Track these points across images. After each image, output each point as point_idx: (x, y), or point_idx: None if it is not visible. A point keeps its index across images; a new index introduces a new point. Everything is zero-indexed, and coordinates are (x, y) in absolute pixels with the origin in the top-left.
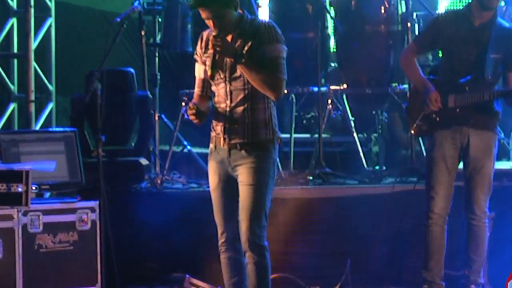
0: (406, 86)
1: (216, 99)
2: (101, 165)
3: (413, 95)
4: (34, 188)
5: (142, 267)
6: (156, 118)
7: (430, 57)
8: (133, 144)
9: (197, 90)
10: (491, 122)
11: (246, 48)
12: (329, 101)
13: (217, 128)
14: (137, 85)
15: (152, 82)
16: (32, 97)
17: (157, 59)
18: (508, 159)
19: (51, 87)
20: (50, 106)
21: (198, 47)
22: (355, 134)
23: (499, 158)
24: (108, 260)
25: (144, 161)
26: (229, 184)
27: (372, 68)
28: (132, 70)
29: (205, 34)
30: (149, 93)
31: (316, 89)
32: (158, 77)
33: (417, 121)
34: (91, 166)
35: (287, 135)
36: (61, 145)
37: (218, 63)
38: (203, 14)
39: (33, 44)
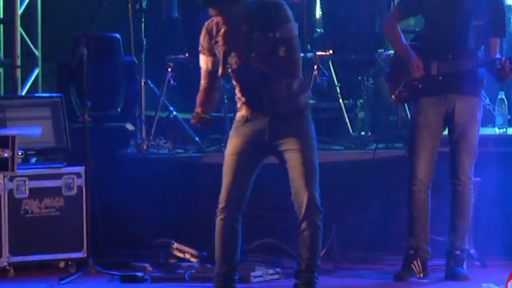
0: (392, 52)
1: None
2: (87, 131)
3: (396, 61)
4: (20, 153)
5: (127, 232)
6: (142, 83)
7: (412, 22)
8: (119, 110)
9: (203, 82)
10: (475, 87)
11: (257, 35)
12: (315, 66)
13: (251, 99)
14: (123, 50)
15: (138, 47)
16: (18, 62)
17: (143, 24)
18: (493, 125)
19: (37, 53)
20: (36, 71)
21: (203, 39)
22: (341, 100)
23: (484, 124)
24: (94, 225)
25: (130, 127)
26: (256, 152)
27: (358, 33)
28: (118, 35)
29: (210, 24)
30: (135, 58)
31: (302, 54)
32: (144, 42)
33: (399, 87)
34: (77, 132)
35: None
36: (47, 110)
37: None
38: (212, 12)
39: (19, 10)
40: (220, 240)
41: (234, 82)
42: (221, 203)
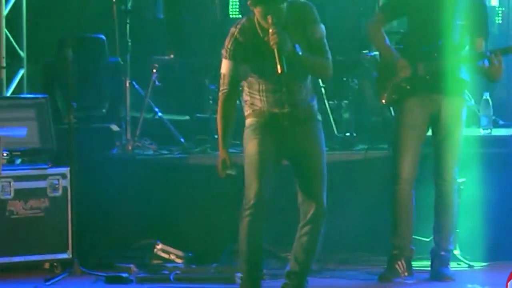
0: (376, 53)
1: (263, 87)
2: (72, 132)
3: (382, 64)
4: (5, 154)
5: (112, 233)
6: (127, 84)
7: (395, 23)
8: (104, 111)
9: (228, 88)
10: (459, 88)
11: (296, 34)
12: None
13: (271, 103)
14: (108, 51)
15: (123, 48)
16: (3, 63)
17: (128, 25)
18: (478, 126)
19: (22, 54)
20: (21, 72)
21: (229, 44)
22: (325, 101)
23: (468, 125)
24: (79, 226)
25: (115, 128)
26: (276, 155)
27: (343, 35)
28: (103, 36)
29: (236, 30)
30: (120, 59)
31: None
32: (129, 43)
33: (387, 90)
34: (62, 133)
35: None
36: (33, 111)
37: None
38: (261, 10)
39: (4, 11)
40: (254, 237)
41: (254, 85)
42: (251, 200)
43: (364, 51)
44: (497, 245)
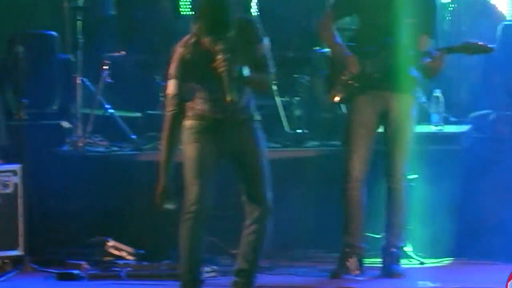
0: (327, 50)
1: (205, 95)
2: (23, 128)
3: (332, 61)
4: None
5: (64, 230)
6: (78, 81)
7: (348, 19)
8: (55, 108)
9: (176, 109)
10: (409, 85)
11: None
12: None
13: (213, 109)
14: (59, 48)
15: (74, 45)
16: None
17: (79, 22)
18: (429, 123)
19: None
20: None
21: (176, 64)
22: (277, 97)
23: (419, 122)
24: (30, 223)
25: (66, 124)
26: (219, 156)
27: (294, 31)
28: (54, 33)
29: (182, 49)
30: (71, 56)
31: None
32: (80, 40)
33: (336, 87)
34: (13, 129)
35: None
36: None
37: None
38: (209, 40)
39: None
40: (196, 241)
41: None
42: (192, 203)
43: (315, 48)
44: (448, 242)
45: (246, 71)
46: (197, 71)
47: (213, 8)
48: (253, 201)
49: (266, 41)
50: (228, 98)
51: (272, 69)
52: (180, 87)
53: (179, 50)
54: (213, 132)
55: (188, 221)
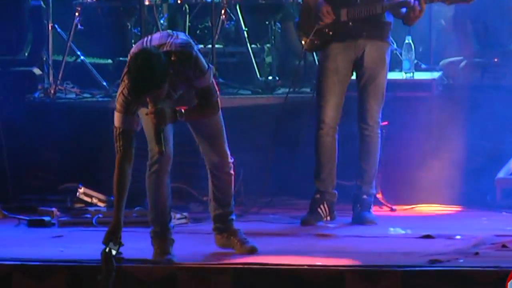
0: None
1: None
2: None
3: (305, 9)
4: None
5: (35, 177)
6: (50, 28)
7: None
8: (26, 54)
9: (125, 145)
10: (383, 32)
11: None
12: (223, 11)
13: None
14: None
15: None
16: None
17: None
18: (400, 70)
19: None
20: None
21: (123, 98)
22: (248, 45)
23: (391, 69)
24: (0, 170)
25: (37, 71)
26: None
27: None
28: None
29: (127, 83)
30: (42, 3)
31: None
32: None
33: (309, 35)
34: None
35: None
36: None
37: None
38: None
39: None
40: (165, 193)
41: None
42: (155, 155)
43: None
44: (419, 188)
45: (180, 115)
46: (144, 104)
47: (138, 71)
48: (211, 158)
49: (209, 72)
50: (157, 150)
51: (216, 97)
52: (126, 121)
53: (125, 85)
54: None
55: (153, 172)
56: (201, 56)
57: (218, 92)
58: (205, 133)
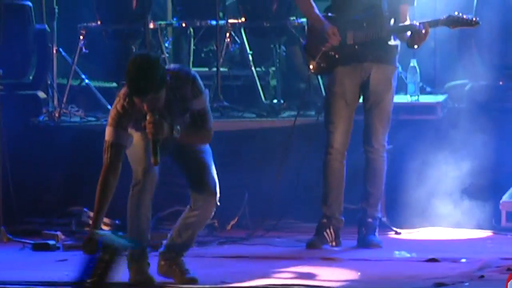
0: (304, 19)
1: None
2: None
3: (311, 32)
4: None
5: (40, 201)
6: (54, 51)
7: None
8: (31, 78)
9: (113, 158)
10: (390, 55)
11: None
12: (227, 34)
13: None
14: (34, 18)
15: (49, 15)
16: None
17: None
18: (405, 93)
19: None
20: None
21: (116, 113)
22: (253, 68)
23: (396, 92)
24: (5, 194)
25: (42, 95)
26: None
27: (270, 1)
28: (29, 3)
29: (121, 100)
30: (47, 26)
31: (214, 22)
32: (56, 10)
33: (316, 58)
34: None
35: None
36: None
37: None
38: (137, 100)
39: None
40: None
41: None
42: (140, 177)
43: (291, 18)
44: (423, 212)
45: (177, 131)
46: (134, 123)
47: (136, 71)
48: (197, 191)
49: (205, 94)
50: (152, 161)
51: (211, 124)
52: (117, 135)
53: (120, 100)
54: None
55: (135, 192)
56: (199, 78)
57: (212, 123)
58: (192, 164)
